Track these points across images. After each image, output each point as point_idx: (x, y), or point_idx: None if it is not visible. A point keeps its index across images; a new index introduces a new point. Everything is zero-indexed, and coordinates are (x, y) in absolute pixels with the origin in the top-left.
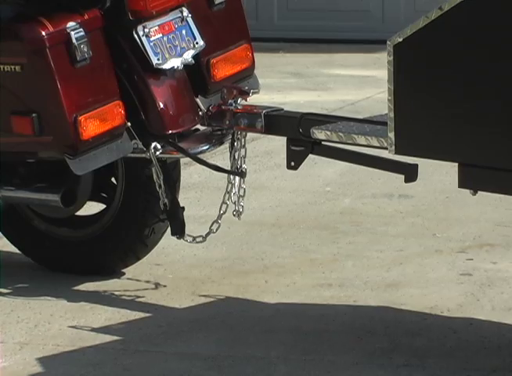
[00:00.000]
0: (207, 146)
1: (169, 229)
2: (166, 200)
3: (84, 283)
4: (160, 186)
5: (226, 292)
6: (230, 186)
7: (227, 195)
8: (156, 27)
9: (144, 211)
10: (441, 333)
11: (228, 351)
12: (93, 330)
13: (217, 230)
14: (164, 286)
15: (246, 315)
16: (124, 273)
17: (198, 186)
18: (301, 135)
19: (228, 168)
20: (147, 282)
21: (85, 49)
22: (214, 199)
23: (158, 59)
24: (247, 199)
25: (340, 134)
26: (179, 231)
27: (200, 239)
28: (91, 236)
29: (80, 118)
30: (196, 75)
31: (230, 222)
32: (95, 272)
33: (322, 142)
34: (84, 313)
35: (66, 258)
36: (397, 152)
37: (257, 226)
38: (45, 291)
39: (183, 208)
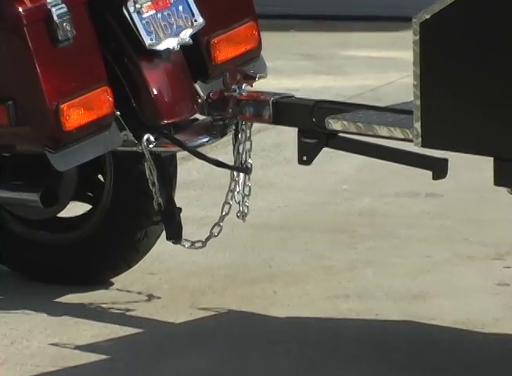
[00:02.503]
0: (208, 139)
1: (164, 232)
2: (160, 200)
3: (68, 295)
4: (153, 184)
5: (229, 304)
6: (233, 183)
7: (230, 194)
8: (149, 3)
9: (135, 212)
10: (473, 351)
11: (230, 369)
12: (77, 347)
13: (218, 234)
14: (159, 297)
15: (252, 330)
16: (112, 283)
17: (197, 184)
18: (315, 125)
19: (232, 164)
20: (139, 293)
21: (68, 28)
22: (216, 198)
23: (151, 39)
24: (253, 198)
25: (359, 124)
26: (176, 235)
27: (200, 244)
28: (75, 241)
29: (62, 106)
30: (195, 57)
31: (234, 225)
32: (80, 282)
33: (339, 134)
34: (67, 329)
35: (47, 266)
36: (424, 145)
37: (264, 229)
38: (23, 303)
39: (180, 209)
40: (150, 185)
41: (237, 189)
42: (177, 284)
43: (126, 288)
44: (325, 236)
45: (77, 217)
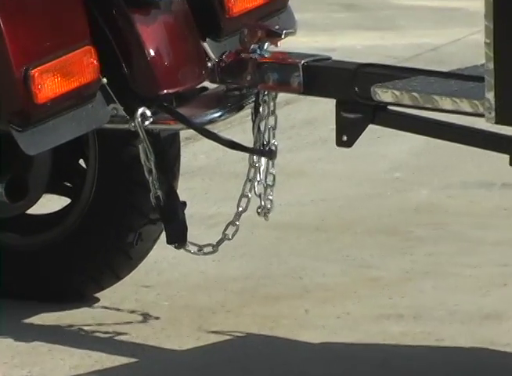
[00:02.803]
0: (220, 113)
1: (163, 234)
2: (159, 193)
3: (41, 314)
4: (150, 172)
5: (248, 327)
6: (253, 171)
7: (248, 184)
8: None
9: (127, 208)
10: None
11: None
12: None
13: (233, 236)
14: (157, 318)
15: (277, 361)
16: (97, 299)
17: (206, 172)
18: (358, 96)
19: (251, 145)
20: (132, 312)
21: None
22: (230, 190)
23: None
24: (278, 190)
25: (415, 94)
26: (178, 237)
27: (210, 249)
28: (49, 246)
29: (32, 72)
30: (204, 9)
31: (253, 225)
32: (57, 299)
33: (388, 107)
34: (40, 358)
35: (14, 278)
36: (498, 120)
37: (292, 230)
38: None
39: (184, 204)
40: (146, 173)
41: (258, 179)
42: (180, 301)
43: (115, 306)
44: (371, 239)
45: (51, 214)
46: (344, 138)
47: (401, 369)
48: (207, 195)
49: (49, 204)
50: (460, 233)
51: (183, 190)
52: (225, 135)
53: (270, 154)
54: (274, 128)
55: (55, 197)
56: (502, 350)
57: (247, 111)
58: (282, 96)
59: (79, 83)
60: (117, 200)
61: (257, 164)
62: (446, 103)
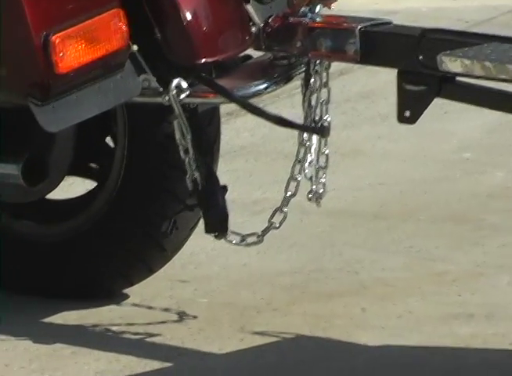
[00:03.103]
0: (265, 85)
1: (202, 222)
2: (196, 175)
3: (62, 313)
4: (186, 152)
5: (297, 328)
6: (303, 150)
7: (298, 166)
8: None
9: (160, 192)
10: None
11: None
12: None
13: (281, 224)
14: (194, 317)
15: (331, 366)
16: (126, 296)
17: (250, 152)
18: (422, 65)
19: (301, 122)
20: (165, 310)
21: None
22: (277, 172)
23: None
24: (332, 172)
25: (487, 64)
26: (218, 226)
27: (254, 239)
28: (72, 236)
29: (53, 38)
30: None
31: (303, 212)
32: (80, 296)
33: (457, 78)
34: (62, 362)
35: (32, 273)
36: None
37: (347, 218)
38: None
39: (225, 188)
40: (182, 153)
41: (308, 160)
42: (220, 298)
43: (146, 303)
44: (437, 228)
45: (74, 200)
46: (407, 113)
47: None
48: (251, 178)
49: (72, 188)
50: None
51: (224, 172)
52: (272, 109)
53: (322, 131)
54: (327, 101)
55: (78, 179)
56: None
57: (296, 83)
58: (336, 66)
59: (106, 51)
60: (149, 184)
61: (307, 143)
62: None
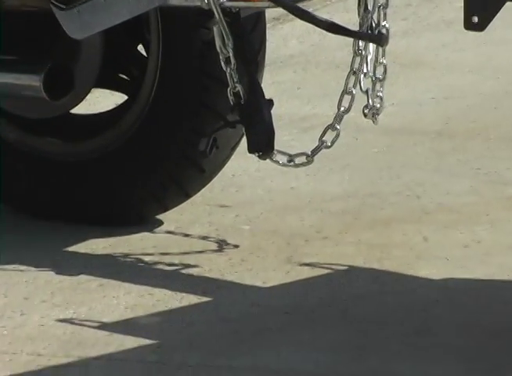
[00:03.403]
0: None
1: (244, 141)
2: (238, 88)
3: (89, 241)
4: (227, 61)
5: (350, 258)
6: (359, 60)
7: (352, 78)
8: None
9: (198, 107)
10: None
11: (347, 367)
12: (103, 327)
13: (333, 143)
14: (235, 246)
15: (387, 301)
16: (160, 223)
17: (298, 62)
18: None
19: (356, 28)
20: (203, 239)
21: None
22: (328, 85)
23: None
24: (390, 85)
25: None
26: (263, 144)
27: (303, 159)
28: (100, 155)
29: None
30: None
31: (358, 129)
32: (109, 222)
33: None
34: (88, 296)
35: (58, 196)
36: None
37: (408, 136)
38: (17, 252)
39: (271, 102)
40: (222, 63)
41: (364, 70)
42: (264, 225)
43: (182, 231)
44: (508, 148)
45: (103, 115)
46: (475, 19)
47: None
48: (300, 91)
49: (100, 101)
50: None
51: (270, 85)
52: (323, 14)
53: (380, 39)
54: (385, 6)
55: (106, 92)
56: None
57: None
58: None
59: None
60: (186, 98)
61: (363, 52)
62: None
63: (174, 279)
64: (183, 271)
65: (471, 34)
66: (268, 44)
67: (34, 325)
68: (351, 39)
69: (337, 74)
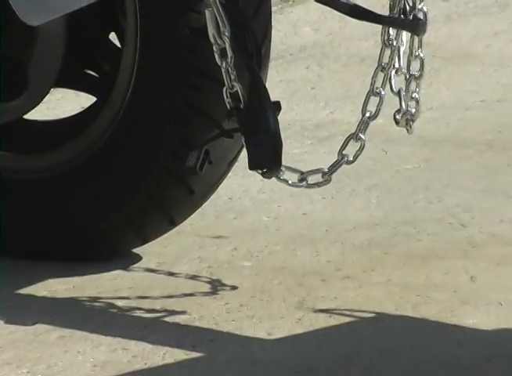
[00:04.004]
0: None
1: (244, 154)
2: (237, 87)
3: (48, 282)
4: (223, 54)
5: (377, 303)
6: (389, 53)
7: (381, 75)
8: None
9: (185, 112)
10: None
11: None
12: None
13: (356, 157)
14: (233, 288)
15: (422, 360)
16: (139, 258)
17: (312, 53)
18: None
19: (385, 12)
20: (193, 278)
21: None
22: (350, 84)
23: None
24: (429, 84)
25: None
26: (268, 159)
27: (318, 177)
28: (62, 171)
29: None
30: None
31: (388, 139)
32: (74, 256)
33: None
34: (46, 351)
35: (6, 222)
36: None
37: (450, 148)
38: None
39: (277, 106)
40: (217, 56)
41: (396, 66)
42: (269, 261)
43: (166, 268)
44: None
45: (65, 121)
46: None
47: None
48: (315, 91)
49: (62, 104)
50: None
51: (277, 83)
52: None
53: (415, 26)
54: None
55: (71, 92)
56: None
57: None
58: None
59: None
60: (171, 100)
61: (394, 43)
62: None
63: (156, 329)
64: (167, 319)
65: None
66: (274, 32)
67: None
68: (379, 26)
69: (361, 70)
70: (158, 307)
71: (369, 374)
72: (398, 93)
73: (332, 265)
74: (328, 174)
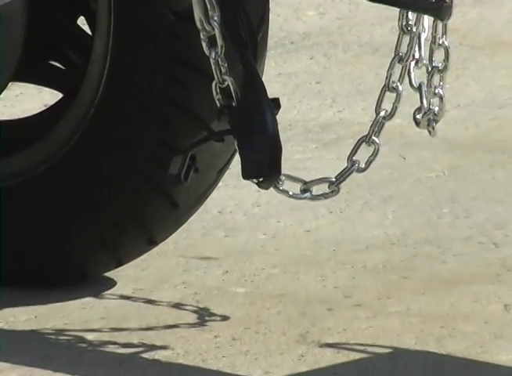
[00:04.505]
0: None
1: (237, 161)
2: (228, 81)
3: (3, 310)
4: (212, 42)
5: (394, 336)
6: (408, 41)
7: (398, 67)
8: None
9: (168, 109)
10: None
11: None
12: None
13: (369, 164)
14: (224, 318)
15: None
16: (113, 283)
17: (318, 43)
18: None
19: None
20: (175, 307)
21: None
22: (361, 77)
23: None
24: (455, 78)
25: None
26: (265, 166)
27: (325, 188)
28: (23, 180)
29: None
30: None
31: (406, 143)
32: (35, 280)
33: None
34: None
35: None
36: None
37: (480, 154)
38: None
39: (277, 104)
40: (204, 45)
41: (416, 56)
42: (267, 286)
43: (145, 295)
44: None
45: (27, 121)
46: None
47: None
48: (320, 86)
49: (23, 101)
50: None
51: (275, 77)
52: None
53: (439, 9)
54: None
55: (32, 88)
56: None
57: None
58: None
59: None
60: (150, 97)
61: (414, 29)
62: None
63: (133, 367)
64: (145, 355)
65: None
66: (273, 17)
67: None
68: (396, 10)
69: (374, 61)
70: (135, 341)
71: None
72: (419, 88)
73: (340, 291)
74: (336, 184)
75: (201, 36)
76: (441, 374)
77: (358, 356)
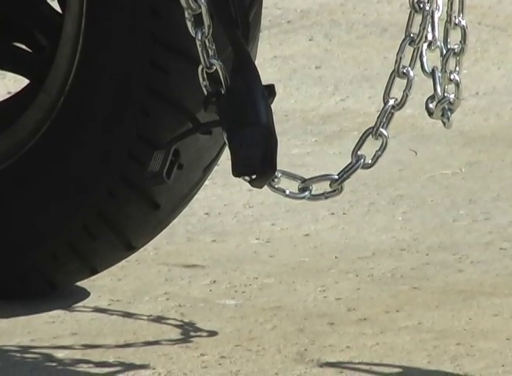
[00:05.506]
0: None
1: (226, 156)
2: (217, 66)
3: None
4: (197, 22)
5: (404, 355)
6: (420, 20)
7: (409, 50)
8: None
9: (148, 97)
10: None
11: None
12: None
13: (377, 160)
14: (212, 334)
15: None
16: (86, 294)
17: (317, 22)
18: None
19: None
20: (157, 321)
21: None
22: (367, 60)
23: None
24: (474, 62)
25: None
26: (258, 162)
27: (334, 187)
28: None
29: None
30: None
31: (419, 136)
32: (2, 292)
33: None
34: None
35: None
36: None
37: (501, 148)
38: None
39: (271, 91)
40: (189, 25)
41: (429, 37)
42: (261, 298)
43: (121, 308)
44: None
45: None
46: None
47: None
48: (321, 71)
49: None
50: None
51: (270, 61)
52: None
53: None
54: None
55: None
56: None
57: None
58: None
59: None
60: (128, 83)
61: (427, 7)
62: None
63: None
64: (122, 375)
65: None
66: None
67: None
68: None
69: (382, 43)
70: (111, 359)
71: None
72: (432, 74)
73: (343, 304)
74: (338, 182)
75: (186, 14)
76: None
77: (363, 375)
